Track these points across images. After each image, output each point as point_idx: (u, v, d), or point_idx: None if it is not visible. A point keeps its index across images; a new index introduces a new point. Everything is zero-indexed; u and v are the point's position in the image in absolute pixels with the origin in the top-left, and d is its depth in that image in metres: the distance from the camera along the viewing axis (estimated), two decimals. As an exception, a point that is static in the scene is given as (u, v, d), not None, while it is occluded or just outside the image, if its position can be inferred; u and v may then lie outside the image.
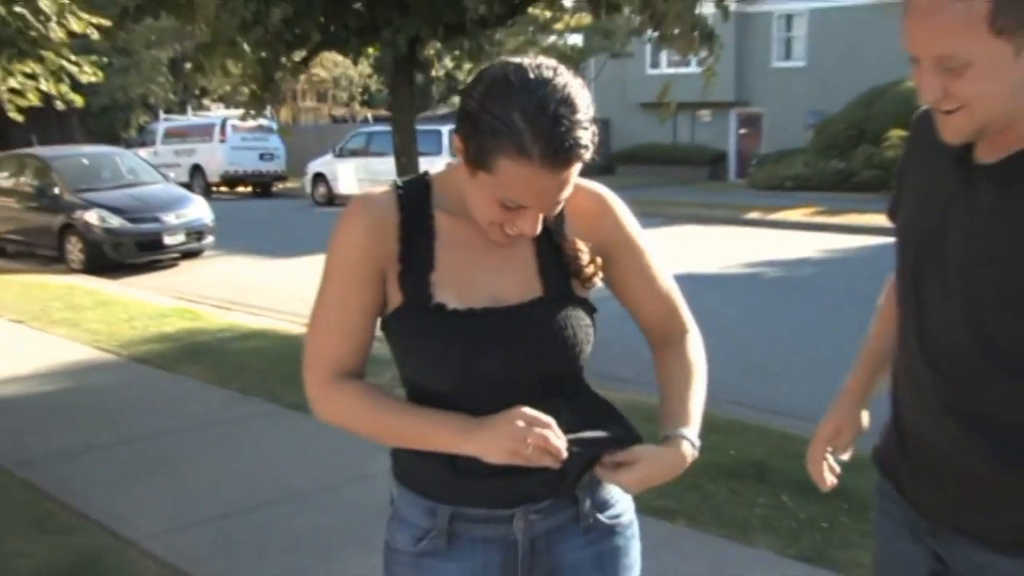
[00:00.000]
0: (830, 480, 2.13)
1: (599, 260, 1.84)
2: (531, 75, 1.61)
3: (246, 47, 6.74)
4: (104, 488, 5.34)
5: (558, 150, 1.59)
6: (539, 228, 1.74)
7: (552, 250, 1.83)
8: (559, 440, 1.66)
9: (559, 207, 1.73)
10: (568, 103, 1.60)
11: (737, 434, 5.91)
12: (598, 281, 1.85)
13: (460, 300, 1.76)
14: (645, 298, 1.94)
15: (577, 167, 1.65)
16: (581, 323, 1.81)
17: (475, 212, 1.75)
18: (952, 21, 1.51)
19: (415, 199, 1.83)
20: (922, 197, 1.85)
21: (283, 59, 6.92)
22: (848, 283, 12.43)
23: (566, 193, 1.69)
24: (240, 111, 8.87)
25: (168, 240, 15.09)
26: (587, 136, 1.62)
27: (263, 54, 6.72)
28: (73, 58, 13.43)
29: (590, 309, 1.85)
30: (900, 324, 1.90)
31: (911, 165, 1.94)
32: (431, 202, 1.83)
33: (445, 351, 1.74)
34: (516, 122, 1.58)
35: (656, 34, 5.98)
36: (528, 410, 1.68)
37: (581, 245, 1.83)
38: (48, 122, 31.96)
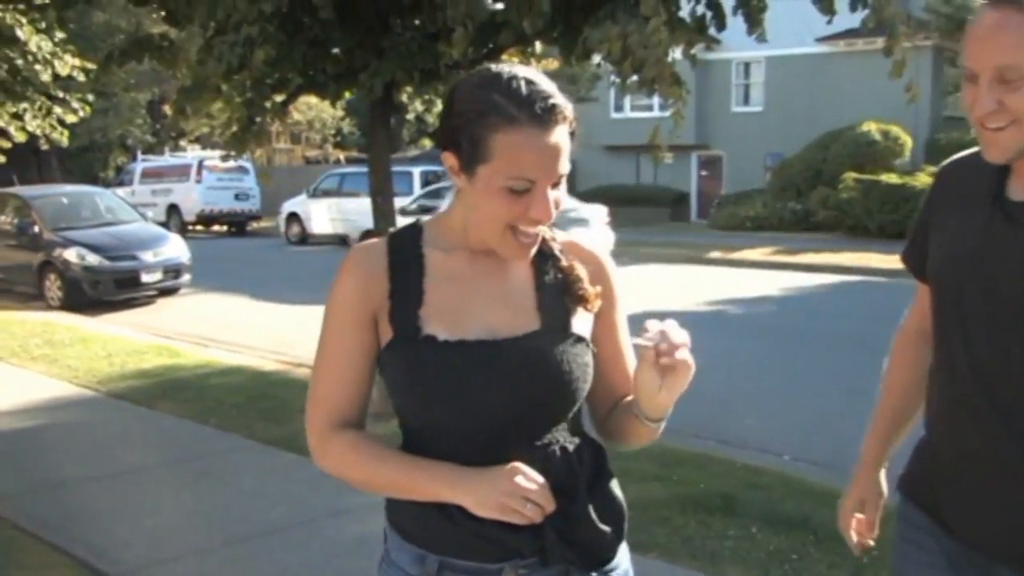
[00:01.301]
0: (867, 543, 2.29)
1: (598, 287, 1.85)
2: (493, 70, 1.73)
3: (233, 92, 6.87)
4: (83, 523, 5.34)
5: (542, 108, 1.67)
6: (553, 214, 1.73)
7: (552, 283, 1.84)
8: (551, 503, 1.68)
9: (562, 181, 1.74)
10: (534, 76, 1.72)
11: (704, 467, 5.99)
12: (597, 307, 1.84)
13: (451, 332, 1.76)
14: (611, 354, 1.92)
15: (565, 132, 1.71)
16: (579, 360, 1.79)
17: (484, 224, 1.76)
18: (1018, 34, 1.66)
19: (405, 241, 1.87)
20: (957, 236, 1.93)
21: (266, 103, 7.06)
22: (807, 320, 12.70)
23: (564, 165, 1.72)
24: (217, 152, 8.98)
25: (146, 278, 15.11)
26: (563, 99, 1.71)
27: (248, 95, 6.85)
28: (61, 95, 13.56)
29: (588, 347, 1.83)
30: (941, 357, 1.96)
31: (939, 211, 2.03)
32: (422, 242, 1.86)
33: (434, 382, 1.74)
34: (497, 100, 1.68)
35: (635, 78, 6.15)
36: (524, 467, 1.68)
37: (580, 270, 1.85)
38: (28, 162, 32.04)
